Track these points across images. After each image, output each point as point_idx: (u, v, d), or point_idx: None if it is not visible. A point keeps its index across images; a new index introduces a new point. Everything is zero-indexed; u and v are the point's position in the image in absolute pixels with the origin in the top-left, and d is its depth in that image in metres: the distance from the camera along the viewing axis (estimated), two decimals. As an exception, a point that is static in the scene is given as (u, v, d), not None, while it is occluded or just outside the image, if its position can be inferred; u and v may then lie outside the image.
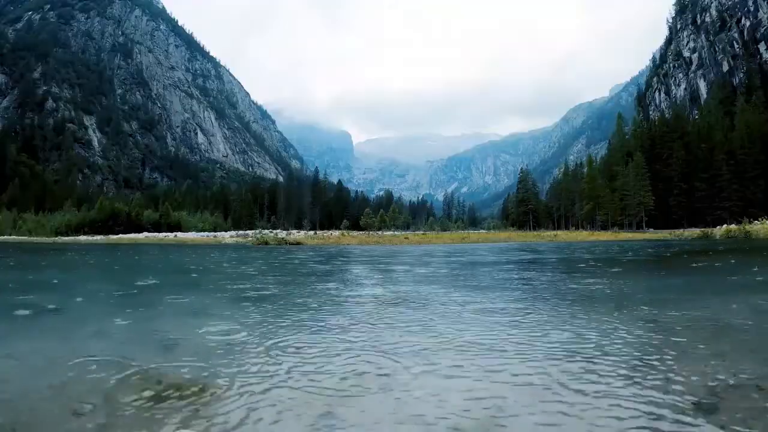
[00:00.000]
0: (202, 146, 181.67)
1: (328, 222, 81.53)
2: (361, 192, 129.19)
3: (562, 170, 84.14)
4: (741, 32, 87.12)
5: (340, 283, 5.57)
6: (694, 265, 7.88)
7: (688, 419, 1.26)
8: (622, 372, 1.69)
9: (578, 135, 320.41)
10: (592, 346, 2.10)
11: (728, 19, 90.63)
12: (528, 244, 21.95)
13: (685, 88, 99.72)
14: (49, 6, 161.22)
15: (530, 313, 3.07)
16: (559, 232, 39.26)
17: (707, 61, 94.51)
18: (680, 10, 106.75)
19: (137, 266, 9.52)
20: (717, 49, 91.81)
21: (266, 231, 40.53)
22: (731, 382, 1.55)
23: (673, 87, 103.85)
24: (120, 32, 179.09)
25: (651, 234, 34.13)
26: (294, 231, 45.72)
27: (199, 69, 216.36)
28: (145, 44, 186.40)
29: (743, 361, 1.82)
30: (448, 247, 18.58)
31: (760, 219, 25.56)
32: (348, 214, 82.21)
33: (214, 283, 6.11)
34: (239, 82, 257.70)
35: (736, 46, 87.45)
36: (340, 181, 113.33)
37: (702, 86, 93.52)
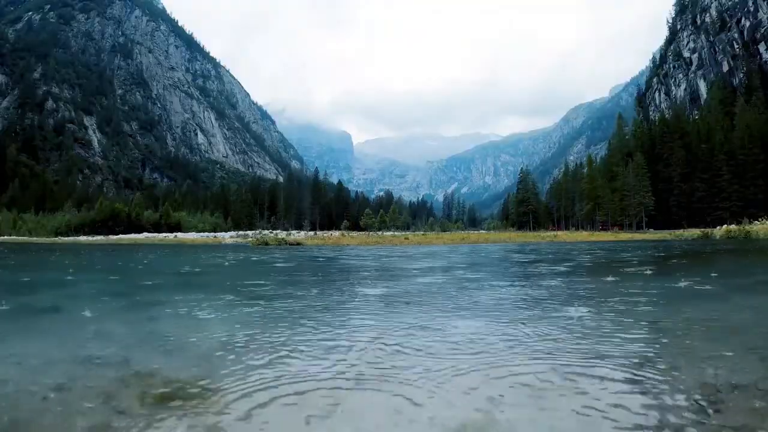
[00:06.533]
0: (202, 146, 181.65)
1: (328, 222, 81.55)
2: (361, 192, 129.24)
3: (562, 170, 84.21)
4: (741, 32, 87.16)
5: (341, 283, 5.57)
6: (694, 266, 7.89)
7: (688, 419, 1.26)
8: (622, 372, 1.68)
9: (578, 135, 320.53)
10: (591, 346, 2.10)
11: (728, 19, 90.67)
12: (528, 244, 21.94)
13: (685, 89, 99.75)
14: (49, 6, 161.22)
15: (530, 313, 3.07)
16: (559, 233, 39.25)
17: (707, 61, 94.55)
18: (680, 10, 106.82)
19: (137, 267, 9.52)
20: (717, 49, 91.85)
21: (266, 231, 40.55)
22: (731, 382, 1.55)
23: (673, 87, 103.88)
24: (120, 32, 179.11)
25: (651, 234, 34.11)
26: (294, 231, 45.73)
27: (199, 69, 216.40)
28: (145, 44, 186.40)
29: (743, 361, 1.81)
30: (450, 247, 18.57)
31: (760, 219, 25.57)
32: (348, 215, 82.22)
33: (214, 284, 6.11)
34: (239, 83, 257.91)
35: (736, 46, 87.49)
36: (340, 182, 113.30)
37: (702, 86, 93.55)
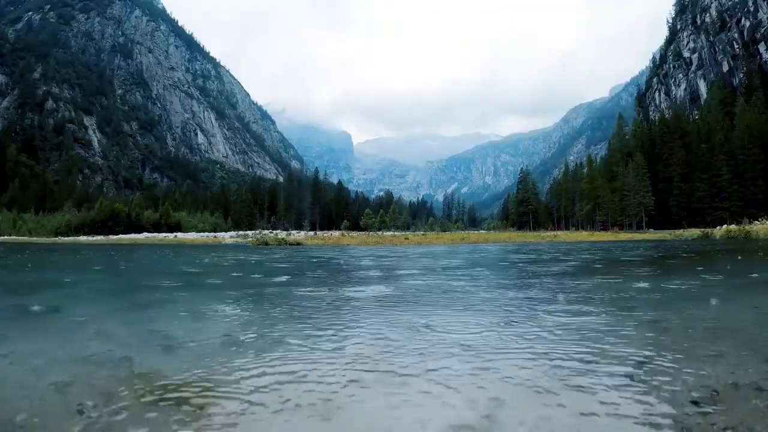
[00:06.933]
0: (202, 146, 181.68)
1: (328, 222, 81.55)
2: (361, 192, 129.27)
3: (562, 170, 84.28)
4: (741, 32, 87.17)
5: (340, 283, 5.57)
6: (694, 266, 7.87)
7: (688, 419, 1.25)
8: (622, 372, 1.68)
9: (578, 135, 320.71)
10: (591, 346, 2.10)
11: (728, 19, 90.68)
12: (527, 244, 21.93)
13: (685, 89, 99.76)
14: (49, 6, 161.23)
15: (529, 313, 3.07)
16: (558, 233, 39.26)
17: (707, 61, 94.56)
18: (680, 10, 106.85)
19: (137, 267, 9.52)
20: (717, 49, 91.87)
21: (266, 231, 40.57)
22: (731, 382, 1.55)
23: (673, 87, 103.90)
24: (120, 32, 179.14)
25: (651, 234, 34.11)
26: (294, 231, 45.75)
27: (199, 69, 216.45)
28: (145, 44, 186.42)
29: (743, 361, 1.81)
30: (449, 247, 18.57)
31: (760, 219, 25.56)
32: (348, 215, 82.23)
33: (214, 284, 6.11)
34: (239, 83, 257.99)
35: (736, 46, 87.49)
36: (340, 182, 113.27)
37: (702, 86, 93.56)
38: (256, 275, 6.65)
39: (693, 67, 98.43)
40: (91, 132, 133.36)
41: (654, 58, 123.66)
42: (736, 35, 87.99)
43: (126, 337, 2.46)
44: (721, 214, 47.20)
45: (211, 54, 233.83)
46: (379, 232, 44.97)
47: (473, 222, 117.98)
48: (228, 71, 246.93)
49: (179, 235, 42.20)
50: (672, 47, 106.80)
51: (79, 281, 6.26)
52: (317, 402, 1.43)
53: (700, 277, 5.50)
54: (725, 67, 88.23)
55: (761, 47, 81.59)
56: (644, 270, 6.80)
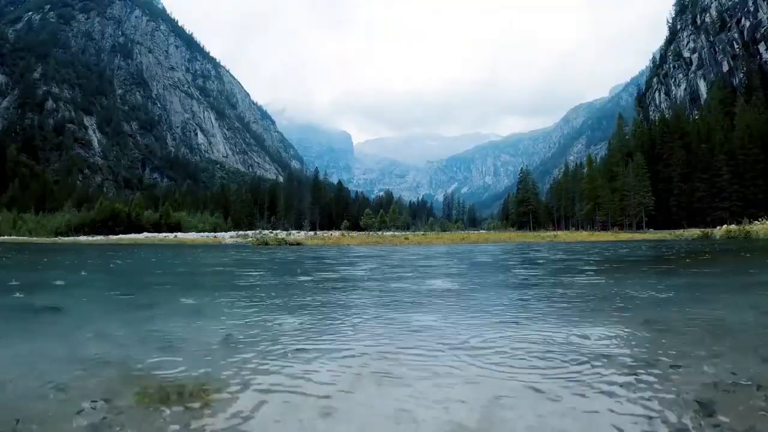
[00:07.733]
0: (202, 146, 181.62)
1: (328, 222, 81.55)
2: (361, 192, 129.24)
3: (562, 170, 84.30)
4: (741, 32, 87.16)
5: (340, 284, 5.57)
6: (694, 266, 7.87)
7: (688, 419, 1.26)
8: (622, 372, 1.68)
9: (578, 135, 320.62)
10: (591, 346, 2.10)
11: (728, 19, 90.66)
12: (527, 244, 21.93)
13: (685, 89, 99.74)
14: (49, 6, 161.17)
15: (529, 313, 3.07)
16: (558, 233, 39.24)
17: (707, 61, 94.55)
18: (680, 10, 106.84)
19: (137, 267, 9.52)
20: (717, 49, 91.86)
21: (266, 231, 40.58)
22: (731, 382, 1.55)
23: (673, 87, 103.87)
24: (120, 32, 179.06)
25: (651, 234, 34.10)
26: (294, 231, 45.75)
27: (199, 69, 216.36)
28: (145, 44, 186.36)
29: (743, 361, 1.81)
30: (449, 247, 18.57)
31: (760, 219, 25.55)
32: (348, 215, 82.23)
33: (214, 284, 6.11)
34: (239, 83, 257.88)
35: (736, 46, 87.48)
36: (340, 182, 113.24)
37: (702, 86, 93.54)
38: (256, 275, 6.65)
39: (693, 67, 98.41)
40: (91, 132, 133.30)
41: (654, 58, 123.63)
42: (736, 35, 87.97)
43: (126, 337, 2.46)
44: (721, 214, 47.18)
45: (211, 54, 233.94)
46: (379, 232, 44.98)
47: (473, 222, 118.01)
48: (228, 71, 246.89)
49: (179, 235, 42.19)
50: (672, 47, 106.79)
51: (79, 281, 6.26)
52: (316, 401, 1.43)
53: (699, 277, 5.50)
54: (725, 67, 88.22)
55: (761, 47, 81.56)
56: (644, 270, 6.81)
